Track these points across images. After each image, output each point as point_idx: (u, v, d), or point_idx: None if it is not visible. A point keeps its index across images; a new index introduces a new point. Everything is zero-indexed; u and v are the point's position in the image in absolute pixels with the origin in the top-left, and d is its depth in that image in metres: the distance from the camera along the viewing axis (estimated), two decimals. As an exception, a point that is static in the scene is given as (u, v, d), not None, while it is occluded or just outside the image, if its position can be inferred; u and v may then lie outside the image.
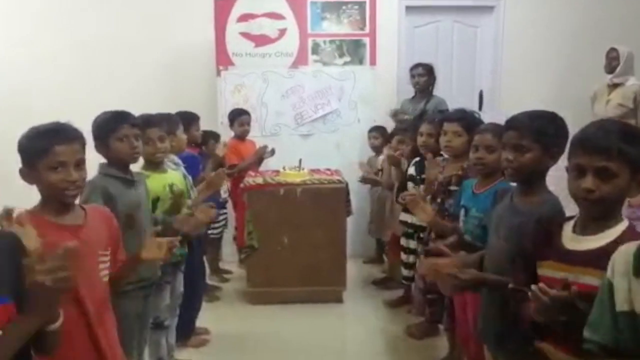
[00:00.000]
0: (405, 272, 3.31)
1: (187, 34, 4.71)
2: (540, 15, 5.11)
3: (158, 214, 2.45)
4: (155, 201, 2.49)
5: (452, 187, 2.59)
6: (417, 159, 3.15)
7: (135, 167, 2.51)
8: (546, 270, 1.47)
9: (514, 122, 1.72)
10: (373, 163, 4.21)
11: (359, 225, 4.42)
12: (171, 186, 2.58)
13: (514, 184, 2.11)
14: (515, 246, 1.65)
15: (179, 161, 2.94)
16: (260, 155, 4.12)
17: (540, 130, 1.68)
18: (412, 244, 3.23)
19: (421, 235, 3.12)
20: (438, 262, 1.93)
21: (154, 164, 2.55)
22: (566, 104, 5.08)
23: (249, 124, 4.18)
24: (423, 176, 3.04)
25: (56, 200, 1.53)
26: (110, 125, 2.10)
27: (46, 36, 4.70)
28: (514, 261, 1.62)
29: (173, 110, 3.42)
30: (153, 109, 2.87)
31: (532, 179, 1.74)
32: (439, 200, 2.66)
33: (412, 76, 4.44)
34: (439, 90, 4.58)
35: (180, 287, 2.78)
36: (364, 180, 3.99)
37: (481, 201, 2.14)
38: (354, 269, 4.07)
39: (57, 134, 1.49)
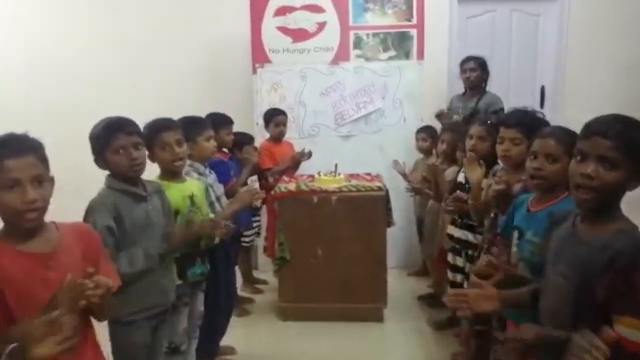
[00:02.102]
0: (451, 291, 2.92)
1: (221, 29, 4.50)
2: (611, 3, 4.58)
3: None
4: (175, 215, 2.25)
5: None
6: (466, 165, 2.78)
7: (150, 176, 2.30)
8: (626, 329, 1.11)
9: (603, 128, 1.32)
10: (420, 166, 3.84)
11: (404, 234, 4.07)
12: (191, 197, 2.33)
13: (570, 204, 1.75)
14: (580, 289, 1.29)
15: (205, 170, 2.69)
16: (297, 160, 3.84)
17: (637, 144, 1.29)
18: (460, 261, 2.85)
19: (469, 252, 2.76)
20: (468, 293, 1.59)
21: (172, 173, 2.31)
22: (636, 101, 4.60)
23: (285, 124, 3.91)
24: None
25: (16, 226, 1.29)
26: (104, 137, 1.86)
27: (79, 33, 4.61)
28: (578, 308, 1.26)
29: (207, 111, 3.26)
30: (186, 110, 2.68)
31: (605, 202, 1.36)
32: (492, 214, 2.28)
33: (463, 71, 4.04)
34: (494, 87, 4.16)
35: (200, 306, 2.54)
36: (412, 190, 3.62)
37: (539, 222, 1.76)
38: (396, 283, 3.72)
39: (6, 146, 1.25)
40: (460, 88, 4.30)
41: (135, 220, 1.84)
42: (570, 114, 4.48)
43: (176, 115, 2.61)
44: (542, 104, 4.77)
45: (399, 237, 4.03)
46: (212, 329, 2.75)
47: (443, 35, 4.56)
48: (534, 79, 4.82)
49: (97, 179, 1.95)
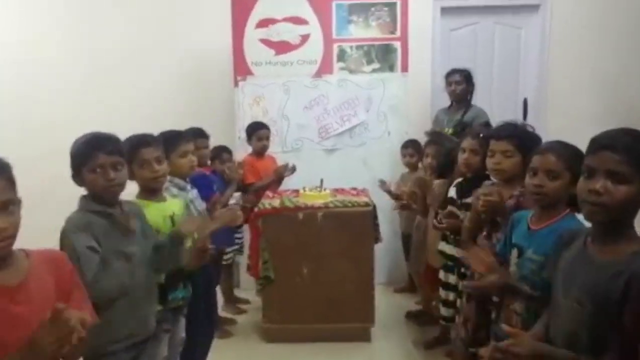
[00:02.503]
0: (443, 311, 2.84)
1: (202, 41, 4.39)
2: (592, 14, 4.60)
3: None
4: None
5: (500, 219, 2.13)
6: (460, 179, 2.71)
7: (129, 195, 2.17)
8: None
9: (611, 141, 1.26)
10: (406, 181, 3.77)
11: (389, 249, 3.99)
12: (172, 217, 2.21)
13: (578, 222, 1.68)
14: (598, 314, 1.21)
15: (186, 185, 2.58)
16: (280, 175, 3.74)
17: None
18: (453, 278, 2.77)
19: (462, 269, 2.67)
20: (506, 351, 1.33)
21: (151, 191, 2.18)
22: (620, 113, 4.62)
23: (268, 138, 3.81)
24: (465, 200, 2.60)
25: None
26: (82, 154, 1.74)
27: (55, 44, 4.43)
28: (597, 334, 1.17)
29: (187, 125, 3.15)
30: (165, 125, 2.56)
31: (617, 219, 1.28)
32: (484, 233, 2.20)
33: (448, 84, 4.00)
34: (477, 100, 4.12)
35: (181, 332, 2.40)
36: (401, 207, 3.53)
37: (540, 240, 1.69)
38: (383, 300, 3.62)
39: None
40: (443, 101, 4.27)
41: (112, 243, 1.71)
42: (553, 126, 4.48)
43: (155, 130, 2.49)
44: (524, 116, 4.74)
45: (384, 252, 3.94)
46: (192, 355, 2.61)
47: (426, 47, 4.52)
48: (516, 92, 4.80)
49: (72, 194, 1.82)
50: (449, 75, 4.01)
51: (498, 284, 1.78)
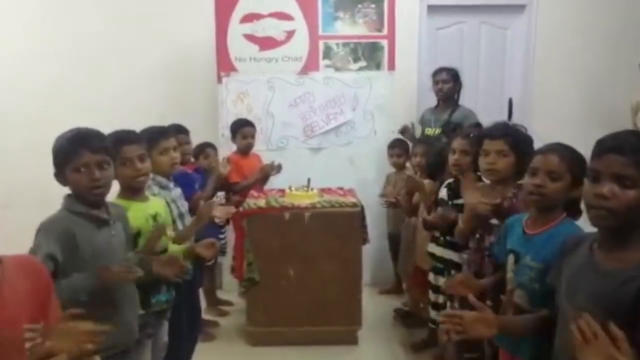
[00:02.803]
0: (433, 314, 2.79)
1: (184, 36, 4.25)
2: (577, 16, 4.60)
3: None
4: (137, 236, 2.02)
5: (494, 221, 2.09)
6: (450, 180, 2.66)
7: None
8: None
9: (617, 143, 1.21)
10: (393, 181, 3.72)
11: (375, 250, 3.93)
12: (155, 217, 2.11)
13: (577, 227, 1.64)
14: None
15: (169, 183, 2.48)
16: (265, 173, 3.65)
17: None
18: (442, 281, 2.72)
19: (452, 272, 2.63)
20: (464, 315, 1.45)
21: (134, 190, 2.09)
22: (604, 114, 4.64)
23: (253, 136, 3.72)
24: (456, 201, 2.55)
25: None
26: (65, 152, 1.63)
27: (32, 36, 4.25)
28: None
29: (168, 122, 3.04)
30: (146, 122, 2.46)
31: (624, 225, 1.24)
32: (477, 235, 2.15)
33: (435, 82, 3.94)
34: (464, 99, 4.08)
35: (164, 336, 2.31)
36: (389, 204, 3.48)
37: (538, 246, 1.64)
38: (369, 302, 3.56)
39: None
40: (429, 100, 4.22)
41: (96, 248, 1.61)
42: (538, 126, 4.44)
43: (136, 127, 2.40)
44: (509, 116, 4.72)
45: (369, 252, 3.87)
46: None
47: (412, 46, 4.46)
48: (501, 91, 4.78)
49: (55, 193, 1.72)
50: (436, 73, 3.96)
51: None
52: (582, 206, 1.63)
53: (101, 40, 4.23)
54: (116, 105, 4.10)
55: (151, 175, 2.41)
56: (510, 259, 1.74)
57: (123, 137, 2.03)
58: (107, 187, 1.68)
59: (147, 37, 4.25)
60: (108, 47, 4.23)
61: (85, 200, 1.65)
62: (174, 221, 2.41)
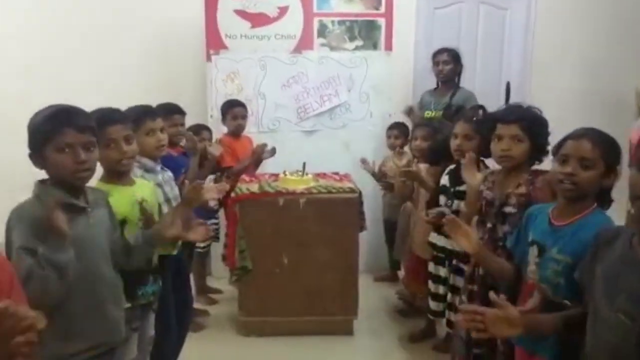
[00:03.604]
0: (433, 305, 2.69)
1: (171, 11, 4.04)
2: (578, -4, 4.49)
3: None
4: (121, 224, 1.86)
5: (508, 209, 1.96)
6: (452, 166, 2.53)
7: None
8: None
9: None
10: (390, 163, 3.60)
11: (370, 236, 3.79)
12: (141, 203, 1.96)
13: (608, 218, 1.52)
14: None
15: (155, 165, 2.32)
16: (259, 156, 3.49)
17: None
18: (443, 271, 2.62)
19: (454, 261, 2.52)
20: (486, 313, 1.34)
21: (118, 174, 1.92)
22: (607, 101, 4.54)
23: (244, 117, 3.54)
24: (459, 188, 2.43)
25: None
26: (46, 130, 1.45)
27: (12, 12, 4.00)
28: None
29: (155, 102, 2.82)
30: (131, 101, 2.29)
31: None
32: (489, 225, 2.03)
33: (436, 64, 3.79)
34: (461, 81, 3.94)
35: (150, 330, 2.15)
36: (385, 187, 3.37)
37: (566, 238, 1.52)
38: (364, 290, 3.41)
39: None
40: (426, 82, 4.09)
41: (73, 239, 1.45)
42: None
43: (120, 107, 2.22)
44: (507, 101, 4.61)
45: (365, 239, 3.75)
46: (162, 354, 2.37)
47: (409, 26, 4.31)
48: (500, 74, 4.66)
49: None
50: (436, 54, 3.80)
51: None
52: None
53: (83, 17, 4.00)
54: (99, 84, 3.87)
55: (137, 157, 2.27)
56: (533, 251, 1.62)
57: (107, 117, 1.86)
58: (92, 170, 1.52)
59: (132, 12, 4.02)
60: (91, 24, 4.00)
61: (65, 186, 1.48)
62: (159, 206, 2.26)
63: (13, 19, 3.99)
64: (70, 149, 1.44)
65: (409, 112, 3.81)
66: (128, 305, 1.89)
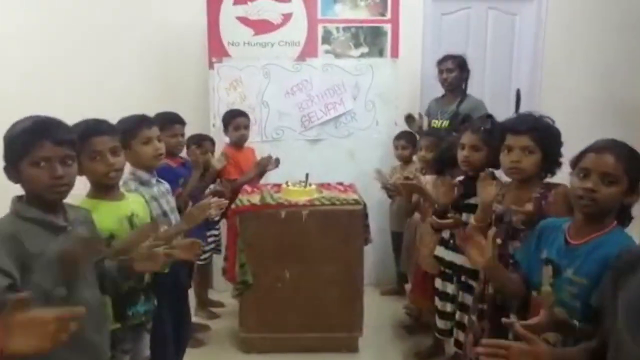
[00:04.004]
0: (440, 323, 2.57)
1: (173, 18, 3.96)
2: (590, 3, 4.36)
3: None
4: (108, 240, 1.78)
5: (518, 226, 1.86)
6: (460, 178, 2.42)
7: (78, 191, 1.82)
8: None
9: None
10: (397, 174, 3.49)
11: (377, 248, 3.70)
12: (130, 218, 1.87)
13: (629, 238, 1.41)
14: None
15: (151, 178, 2.24)
16: (263, 168, 3.41)
17: None
18: (450, 288, 2.50)
19: (462, 278, 2.40)
20: (511, 347, 1.22)
21: (106, 188, 1.84)
22: (620, 108, 4.41)
23: (247, 127, 3.46)
24: (467, 201, 2.32)
25: None
26: (22, 142, 1.36)
27: (11, 13, 3.93)
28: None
29: (155, 110, 2.78)
30: (131, 110, 2.24)
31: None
32: (499, 241, 1.92)
33: (440, 72, 3.70)
34: (469, 88, 3.84)
35: (145, 350, 2.06)
36: (393, 192, 3.27)
37: (583, 257, 1.41)
38: (370, 304, 3.30)
39: None
40: (433, 89, 3.98)
41: (49, 258, 1.35)
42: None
43: (120, 115, 2.17)
44: (517, 108, 4.49)
45: (371, 251, 3.65)
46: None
47: (416, 32, 4.21)
48: (509, 81, 4.54)
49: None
50: (440, 62, 3.71)
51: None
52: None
53: (83, 22, 3.92)
54: (99, 92, 3.78)
55: (130, 169, 2.20)
56: (547, 270, 1.51)
57: (93, 127, 1.78)
58: (69, 186, 1.42)
59: (133, 18, 3.93)
60: (90, 30, 3.92)
61: (41, 202, 1.39)
62: (153, 221, 2.17)
63: (13, 20, 3.92)
64: (47, 163, 1.35)
65: (409, 120, 3.71)
66: (117, 326, 1.81)
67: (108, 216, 1.79)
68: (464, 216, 2.36)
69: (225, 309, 3.53)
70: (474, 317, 2.04)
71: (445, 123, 3.54)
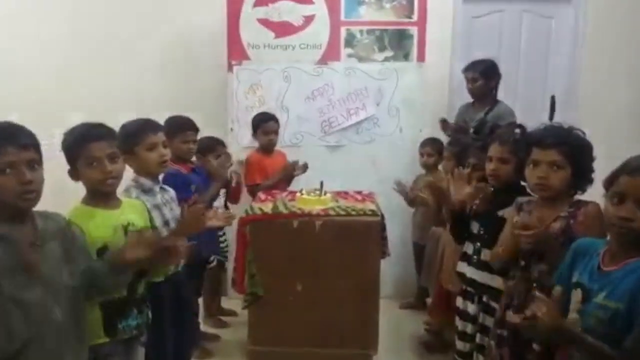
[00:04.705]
0: (460, 344, 2.39)
1: (193, 20, 3.91)
2: (631, 5, 4.11)
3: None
4: (101, 251, 1.68)
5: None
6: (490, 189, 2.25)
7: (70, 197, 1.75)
8: None
9: None
10: (421, 183, 3.32)
11: (397, 259, 3.51)
12: (126, 227, 1.77)
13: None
14: None
15: (155, 186, 2.16)
16: (289, 174, 3.34)
17: None
18: (472, 308, 2.31)
19: (484, 298, 2.22)
20: None
21: (102, 196, 1.75)
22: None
23: (276, 133, 3.41)
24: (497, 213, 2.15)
25: None
26: None
27: (32, 20, 3.94)
28: None
29: (173, 113, 2.82)
30: (148, 114, 2.20)
31: None
32: (522, 263, 1.75)
33: (466, 80, 3.53)
34: (501, 96, 3.63)
35: (140, 364, 1.97)
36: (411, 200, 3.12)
37: (616, 282, 1.25)
38: (387, 318, 3.13)
39: None
40: (463, 96, 3.80)
41: (16, 277, 1.26)
42: (583, 128, 4.00)
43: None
44: (551, 116, 4.26)
45: (391, 262, 3.48)
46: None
47: (445, 35, 4.04)
48: (544, 88, 4.31)
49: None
50: (464, 71, 3.53)
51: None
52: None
53: (102, 26, 3.91)
54: (118, 98, 3.77)
55: (132, 176, 2.12)
56: (577, 295, 1.35)
57: (90, 132, 1.70)
58: (38, 193, 1.33)
59: (151, 21, 3.91)
60: (109, 33, 3.90)
61: (7, 212, 1.30)
62: (155, 229, 2.07)
63: (35, 26, 3.93)
64: (13, 169, 1.27)
65: (444, 125, 3.50)
66: (104, 340, 1.71)
67: (102, 225, 1.70)
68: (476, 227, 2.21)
69: (238, 319, 3.42)
70: (492, 343, 1.87)
71: (471, 131, 3.35)
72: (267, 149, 3.39)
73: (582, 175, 1.70)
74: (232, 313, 3.47)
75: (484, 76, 3.46)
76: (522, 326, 1.29)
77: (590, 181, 1.72)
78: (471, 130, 3.36)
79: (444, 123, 3.51)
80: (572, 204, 1.73)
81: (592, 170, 1.71)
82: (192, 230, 1.92)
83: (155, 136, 2.13)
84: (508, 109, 3.44)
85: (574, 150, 1.67)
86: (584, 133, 1.77)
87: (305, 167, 3.38)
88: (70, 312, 1.38)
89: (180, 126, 2.78)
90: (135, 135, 2.09)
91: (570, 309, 1.37)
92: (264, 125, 3.35)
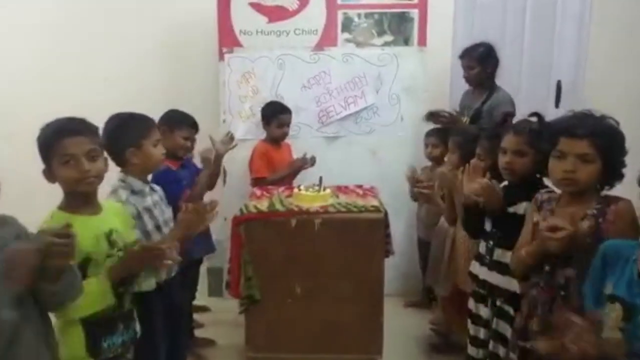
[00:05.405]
0: (471, 350, 2.23)
1: (181, 6, 3.74)
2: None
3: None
4: (85, 263, 1.51)
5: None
6: (504, 183, 2.09)
7: (47, 202, 1.59)
8: None
9: None
10: (429, 176, 3.15)
11: (402, 256, 3.38)
12: (109, 235, 1.60)
13: None
14: None
15: (144, 186, 1.99)
16: (297, 169, 3.23)
17: None
18: (484, 311, 2.16)
19: (497, 302, 2.06)
20: None
21: (82, 199, 1.58)
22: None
23: (289, 125, 3.27)
24: (510, 210, 1.98)
25: None
26: None
27: (18, 10, 3.76)
28: None
29: (163, 104, 2.68)
30: (138, 105, 2.08)
31: None
32: (547, 268, 1.58)
33: (462, 67, 3.34)
34: (504, 80, 3.44)
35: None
36: (417, 196, 2.97)
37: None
38: (392, 318, 2.96)
39: None
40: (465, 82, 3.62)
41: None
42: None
43: (125, 109, 2.02)
44: (557, 102, 4.10)
45: (395, 259, 3.32)
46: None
47: (447, 18, 3.84)
48: (549, 73, 4.13)
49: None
50: (460, 57, 3.35)
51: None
52: None
53: (90, 16, 3.74)
54: (107, 87, 3.65)
55: (121, 176, 1.95)
56: (614, 310, 1.18)
57: (65, 127, 1.53)
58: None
59: (138, 8, 3.74)
60: (98, 23, 3.74)
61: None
62: (148, 235, 1.91)
63: (18, 16, 3.75)
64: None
65: (431, 117, 3.26)
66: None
67: (84, 234, 1.50)
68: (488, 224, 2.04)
69: (232, 323, 3.22)
70: (514, 356, 1.70)
71: (467, 120, 3.19)
72: (278, 141, 3.28)
73: (612, 170, 1.53)
74: (205, 309, 3.33)
75: (480, 63, 3.28)
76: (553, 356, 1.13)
77: (620, 177, 1.55)
78: (465, 119, 3.19)
79: (431, 116, 3.27)
80: (600, 201, 1.56)
81: (624, 165, 1.53)
82: (195, 230, 1.80)
83: (157, 132, 2.04)
84: (506, 97, 3.25)
85: (607, 143, 1.50)
86: (617, 122, 1.59)
87: (313, 161, 3.27)
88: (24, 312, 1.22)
89: (180, 120, 2.68)
90: (145, 128, 1.98)
91: (606, 325, 1.21)
92: (281, 117, 3.23)
